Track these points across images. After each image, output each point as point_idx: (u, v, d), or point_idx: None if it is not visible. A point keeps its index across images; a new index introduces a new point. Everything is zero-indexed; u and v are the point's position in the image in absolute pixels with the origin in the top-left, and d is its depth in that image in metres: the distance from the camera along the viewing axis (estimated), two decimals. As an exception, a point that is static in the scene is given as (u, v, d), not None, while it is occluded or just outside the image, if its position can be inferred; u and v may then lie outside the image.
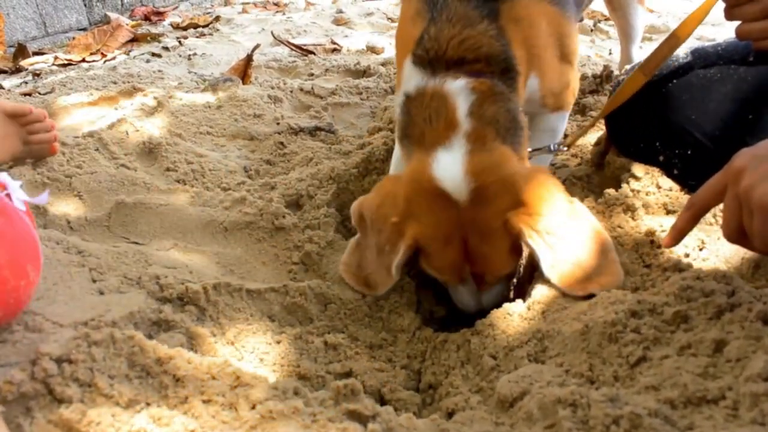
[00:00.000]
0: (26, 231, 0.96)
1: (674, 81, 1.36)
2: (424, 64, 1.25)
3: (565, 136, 1.83)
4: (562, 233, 1.14)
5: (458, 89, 1.20)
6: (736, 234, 0.90)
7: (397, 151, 1.48)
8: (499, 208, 1.15)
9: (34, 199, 1.12)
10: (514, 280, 1.34)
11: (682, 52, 1.42)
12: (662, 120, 1.36)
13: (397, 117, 1.33)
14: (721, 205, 0.96)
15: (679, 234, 1.02)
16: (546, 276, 1.14)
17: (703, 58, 1.37)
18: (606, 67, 2.29)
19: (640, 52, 2.18)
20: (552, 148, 1.48)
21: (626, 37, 2.24)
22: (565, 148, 1.48)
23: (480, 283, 1.26)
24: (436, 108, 1.20)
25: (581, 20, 2.14)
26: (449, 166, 1.15)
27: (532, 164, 1.46)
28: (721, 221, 1.17)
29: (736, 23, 1.26)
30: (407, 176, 1.22)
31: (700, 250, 1.16)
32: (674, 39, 1.34)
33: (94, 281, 1.15)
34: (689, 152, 1.31)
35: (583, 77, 2.39)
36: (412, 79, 1.27)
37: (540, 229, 1.13)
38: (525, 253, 1.25)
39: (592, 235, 1.17)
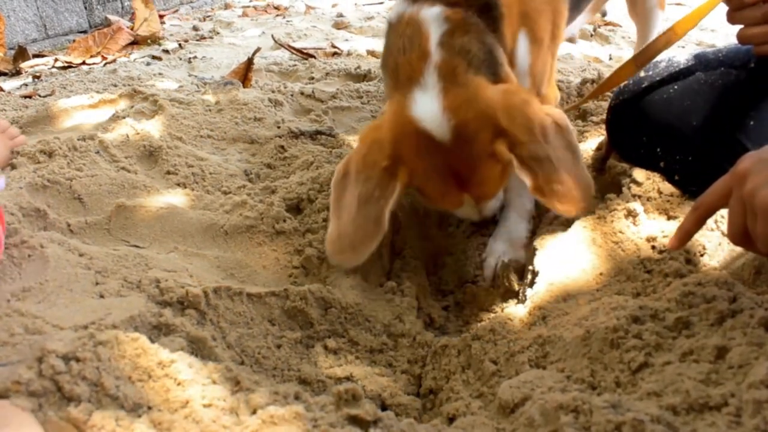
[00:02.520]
0: None
1: (675, 87, 1.36)
2: None
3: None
4: (543, 155, 1.16)
5: (432, 17, 1.21)
6: (741, 237, 0.91)
7: None
8: (484, 140, 1.17)
9: None
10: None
11: (683, 58, 1.42)
12: (663, 126, 1.36)
13: None
14: (723, 211, 0.96)
15: (685, 235, 1.02)
16: (532, 195, 1.19)
17: (704, 64, 1.37)
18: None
19: None
20: None
21: (644, 38, 2.30)
22: None
23: (478, 200, 1.29)
24: (409, 36, 1.22)
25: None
26: (427, 106, 1.17)
27: None
28: (722, 227, 1.18)
29: (737, 28, 1.27)
30: (389, 120, 1.24)
31: (701, 255, 1.16)
32: (671, 33, 1.35)
33: (97, 284, 1.15)
34: (690, 158, 1.31)
35: (583, 82, 2.39)
36: (396, 6, 1.29)
37: (525, 155, 1.15)
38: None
39: (566, 147, 1.20)
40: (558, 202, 1.16)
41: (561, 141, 1.19)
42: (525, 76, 1.41)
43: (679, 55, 1.45)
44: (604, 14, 2.33)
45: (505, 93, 1.19)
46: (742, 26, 1.27)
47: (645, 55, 1.37)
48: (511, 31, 1.32)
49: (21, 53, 3.21)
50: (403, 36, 1.23)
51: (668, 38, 1.35)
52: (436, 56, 1.19)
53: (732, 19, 1.27)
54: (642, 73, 1.43)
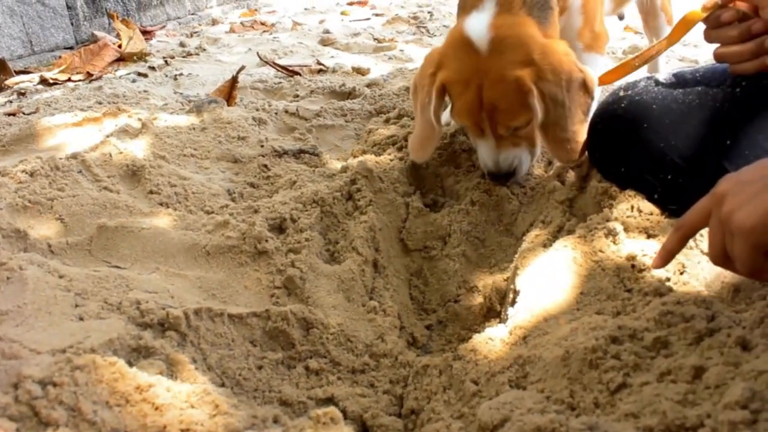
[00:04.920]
0: None
1: (654, 106, 1.38)
2: None
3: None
4: (561, 99, 1.36)
5: None
6: (721, 257, 0.91)
7: None
8: (512, 59, 1.38)
9: None
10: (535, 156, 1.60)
11: (662, 77, 1.44)
12: (642, 144, 1.37)
13: None
14: (703, 230, 0.97)
15: (668, 254, 1.02)
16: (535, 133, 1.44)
17: (682, 83, 1.39)
18: None
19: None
20: None
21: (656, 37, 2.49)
22: None
23: (497, 138, 1.49)
24: None
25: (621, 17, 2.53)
26: (477, 22, 1.42)
27: None
28: (702, 246, 1.19)
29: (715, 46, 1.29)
30: (446, 38, 1.50)
31: (681, 274, 1.17)
32: (666, 41, 1.43)
33: (76, 306, 1.14)
34: (669, 177, 1.32)
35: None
36: None
37: (545, 92, 1.36)
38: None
39: (580, 105, 1.40)
40: (555, 147, 1.36)
41: (580, 98, 1.38)
42: (578, 13, 1.62)
43: (658, 74, 1.46)
44: (621, 17, 2.45)
45: (550, 40, 1.39)
46: (718, 45, 1.29)
47: (645, 55, 1.49)
48: None
49: (2, 68, 3.18)
50: None
51: (661, 46, 1.47)
52: None
53: (709, 37, 1.29)
54: (621, 92, 1.45)
